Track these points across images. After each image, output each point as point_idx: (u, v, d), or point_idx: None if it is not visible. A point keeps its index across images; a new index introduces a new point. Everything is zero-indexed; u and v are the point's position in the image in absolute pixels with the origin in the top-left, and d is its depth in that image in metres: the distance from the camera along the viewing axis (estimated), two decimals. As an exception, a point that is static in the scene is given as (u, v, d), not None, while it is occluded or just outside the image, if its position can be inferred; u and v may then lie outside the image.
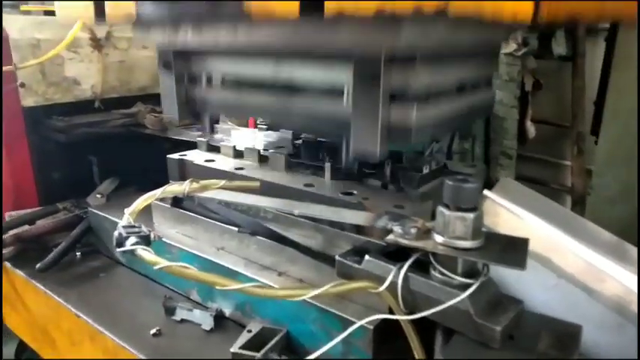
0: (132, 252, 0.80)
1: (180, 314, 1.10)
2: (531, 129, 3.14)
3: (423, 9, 0.55)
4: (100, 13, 0.89)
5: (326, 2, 0.61)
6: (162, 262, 0.76)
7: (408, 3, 0.56)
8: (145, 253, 0.78)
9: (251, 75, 1.04)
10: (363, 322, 0.80)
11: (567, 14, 0.76)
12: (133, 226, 0.86)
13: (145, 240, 0.83)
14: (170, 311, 1.10)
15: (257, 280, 0.99)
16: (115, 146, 1.62)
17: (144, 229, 0.85)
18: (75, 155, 1.61)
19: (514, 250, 0.72)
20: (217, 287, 0.73)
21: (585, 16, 0.81)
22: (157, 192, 0.96)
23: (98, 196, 1.51)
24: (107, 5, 0.88)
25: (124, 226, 0.85)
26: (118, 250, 0.82)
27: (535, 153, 3.20)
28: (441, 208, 0.74)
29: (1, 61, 0.88)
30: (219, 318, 1.07)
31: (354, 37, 0.75)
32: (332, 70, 0.91)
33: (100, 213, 1.36)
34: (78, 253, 1.39)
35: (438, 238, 0.74)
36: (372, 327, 0.83)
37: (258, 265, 1.05)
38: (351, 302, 0.91)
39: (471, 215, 0.71)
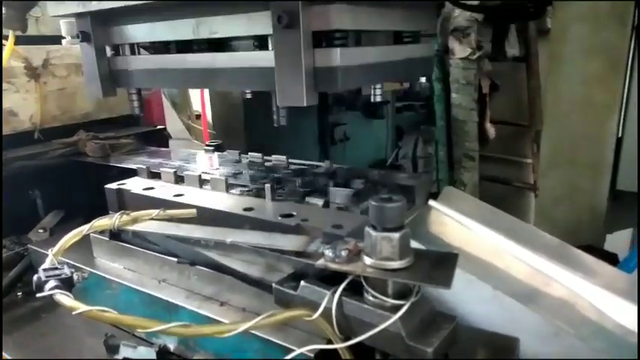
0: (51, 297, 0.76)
1: (124, 352, 1.04)
2: (491, 130, 3.19)
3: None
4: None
5: None
6: (81, 307, 0.72)
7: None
8: (64, 298, 0.74)
9: (173, 37, 1.01)
10: (302, 350, 0.77)
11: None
12: (55, 268, 0.81)
13: (67, 282, 0.79)
14: (112, 350, 1.05)
15: (198, 314, 0.96)
16: (58, 177, 1.56)
17: (66, 270, 0.81)
18: (14, 190, 1.53)
19: (442, 268, 0.71)
20: (139, 330, 0.69)
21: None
22: (84, 228, 0.92)
23: (40, 231, 1.45)
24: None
25: (44, 269, 0.81)
26: (38, 295, 0.78)
27: (497, 153, 3.25)
28: (367, 229, 0.72)
29: (1, 66, 0.83)
30: (164, 353, 1.02)
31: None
32: (253, 19, 0.87)
33: (40, 250, 1.29)
34: (19, 294, 1.32)
35: (367, 260, 0.72)
36: (312, 355, 0.80)
37: (200, 296, 1.01)
38: (295, 329, 0.88)
39: (396, 235, 0.70)
